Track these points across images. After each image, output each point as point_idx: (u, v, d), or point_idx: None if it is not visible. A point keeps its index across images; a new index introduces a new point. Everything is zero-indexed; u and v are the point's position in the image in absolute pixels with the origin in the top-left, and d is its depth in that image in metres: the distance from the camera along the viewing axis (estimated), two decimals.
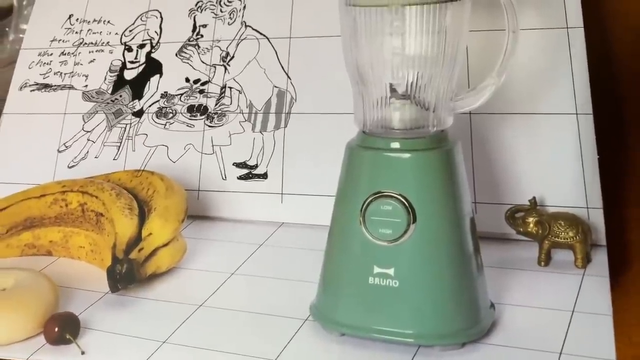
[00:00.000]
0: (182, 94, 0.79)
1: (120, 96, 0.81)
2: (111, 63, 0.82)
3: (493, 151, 0.67)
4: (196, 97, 0.78)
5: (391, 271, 0.50)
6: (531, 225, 0.61)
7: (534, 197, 0.62)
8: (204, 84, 0.78)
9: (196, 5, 0.80)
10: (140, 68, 0.81)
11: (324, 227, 0.54)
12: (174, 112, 0.79)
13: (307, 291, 0.56)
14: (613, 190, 0.65)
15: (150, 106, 0.80)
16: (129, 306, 0.59)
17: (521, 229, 0.62)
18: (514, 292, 0.57)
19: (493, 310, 0.53)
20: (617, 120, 0.69)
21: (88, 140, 0.81)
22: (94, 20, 0.85)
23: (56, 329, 0.53)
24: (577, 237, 0.60)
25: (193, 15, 0.80)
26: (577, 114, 0.65)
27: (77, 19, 0.86)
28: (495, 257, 0.62)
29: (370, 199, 0.50)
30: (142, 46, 0.82)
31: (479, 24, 0.65)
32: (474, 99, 0.54)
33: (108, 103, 0.82)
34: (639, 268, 0.60)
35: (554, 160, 0.65)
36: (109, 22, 0.84)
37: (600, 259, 0.60)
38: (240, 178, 0.75)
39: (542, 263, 0.61)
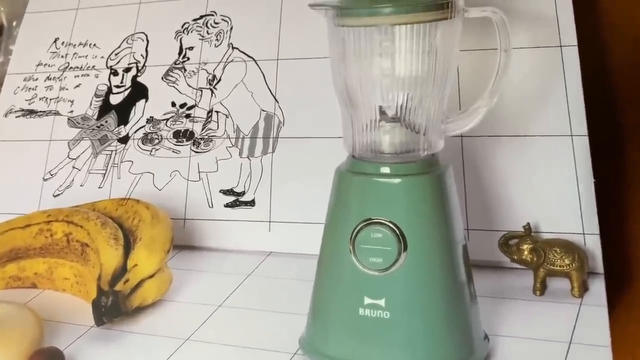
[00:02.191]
0: (168, 119, 0.78)
1: (106, 122, 0.80)
2: (97, 87, 0.82)
3: (485, 175, 0.66)
4: (182, 122, 0.77)
5: (382, 302, 0.49)
6: (525, 252, 0.60)
7: (528, 223, 0.61)
8: (190, 108, 0.77)
9: (182, 26, 0.79)
10: (126, 92, 0.80)
11: (314, 256, 0.53)
12: (159, 137, 0.77)
13: (297, 323, 0.54)
14: (611, 206, 0.64)
15: (135, 132, 0.79)
16: (114, 340, 0.58)
17: (515, 257, 0.60)
18: (509, 323, 0.55)
19: (487, 342, 0.52)
20: (615, 134, 0.68)
21: (73, 168, 0.80)
22: (80, 44, 0.84)
23: None
24: (574, 265, 0.58)
25: (179, 37, 0.79)
26: (572, 135, 0.63)
27: (63, 42, 0.85)
28: (489, 286, 0.60)
29: (360, 226, 0.49)
30: (127, 70, 0.81)
31: (470, 43, 0.64)
32: (466, 121, 0.53)
33: (93, 129, 0.81)
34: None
35: (548, 184, 0.63)
36: (94, 45, 0.83)
37: (598, 287, 0.59)
38: (227, 206, 0.74)
39: (538, 292, 0.59)
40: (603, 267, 0.60)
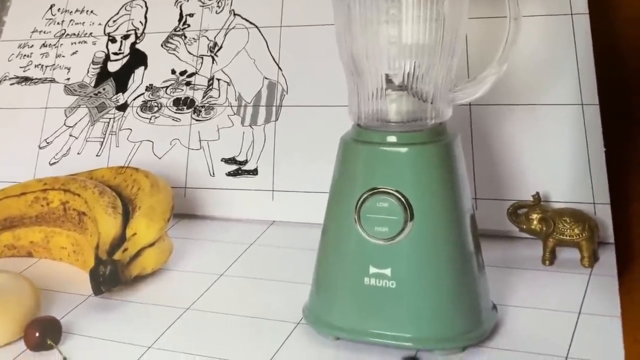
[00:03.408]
0: (167, 87, 0.77)
1: (104, 89, 0.79)
2: (94, 55, 0.80)
3: (494, 144, 0.65)
4: (182, 90, 0.76)
5: (388, 271, 0.48)
6: (535, 222, 0.59)
7: (538, 193, 0.60)
8: (190, 75, 0.76)
9: None
10: (125, 60, 0.79)
11: (318, 225, 0.52)
12: (159, 105, 0.76)
13: (300, 293, 0.54)
14: (621, 184, 0.63)
15: (134, 99, 0.78)
16: (113, 310, 0.57)
17: (524, 226, 0.60)
18: (517, 293, 0.55)
19: (495, 312, 0.51)
20: (624, 112, 0.67)
21: (70, 135, 0.79)
22: (77, 10, 0.83)
23: (37, 334, 0.52)
24: (584, 235, 0.58)
25: (179, 4, 0.78)
26: (582, 104, 0.63)
27: (59, 9, 0.84)
28: (497, 256, 0.60)
29: (365, 195, 0.48)
30: (126, 37, 0.79)
31: (478, 10, 0.63)
32: (474, 89, 0.52)
33: (91, 97, 0.79)
34: None
35: (558, 154, 0.63)
36: (92, 12, 0.82)
37: (608, 257, 0.58)
38: (229, 174, 0.73)
39: (547, 262, 0.59)
40: (614, 237, 0.60)
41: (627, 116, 0.67)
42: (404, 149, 0.48)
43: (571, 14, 0.63)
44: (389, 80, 0.50)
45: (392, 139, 0.49)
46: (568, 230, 0.58)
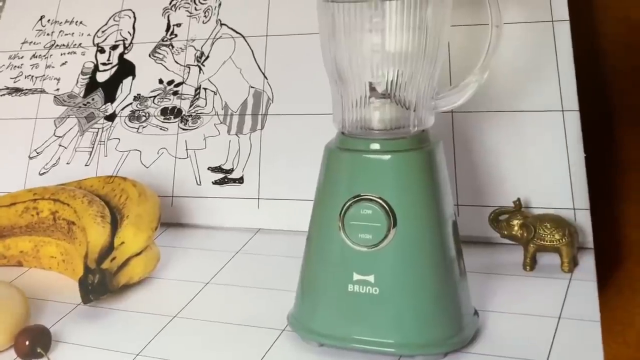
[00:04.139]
0: (155, 96, 0.77)
1: (93, 99, 0.80)
2: (83, 65, 0.81)
3: (476, 151, 0.65)
4: (170, 99, 0.76)
5: (371, 278, 0.49)
6: (516, 228, 0.60)
7: (519, 199, 0.61)
8: (177, 85, 0.77)
9: (170, 3, 0.78)
10: (113, 70, 0.79)
11: (303, 232, 0.53)
12: (147, 115, 0.77)
13: (285, 300, 0.54)
14: (604, 186, 0.63)
15: (122, 109, 0.78)
16: (101, 318, 0.57)
17: (505, 232, 0.60)
18: (499, 299, 0.55)
19: (477, 318, 0.52)
20: (607, 114, 0.68)
21: (60, 146, 0.80)
22: (66, 21, 0.83)
23: (27, 343, 0.52)
24: (564, 240, 0.58)
25: (167, 14, 0.78)
26: (563, 110, 0.63)
27: (49, 20, 0.84)
28: (479, 262, 0.60)
29: (349, 202, 0.49)
30: (114, 47, 0.80)
31: (461, 18, 0.64)
32: (456, 97, 0.52)
33: (80, 107, 0.80)
34: (630, 266, 0.59)
35: (539, 160, 0.63)
36: (81, 22, 0.82)
37: (588, 262, 0.59)
38: (215, 183, 0.73)
39: (528, 267, 0.59)
40: (593, 242, 0.60)
41: (612, 117, 0.67)
42: (387, 157, 0.49)
43: (552, 21, 0.64)
44: (372, 89, 0.50)
45: (375, 146, 0.49)
46: (548, 236, 0.59)
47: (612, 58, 0.68)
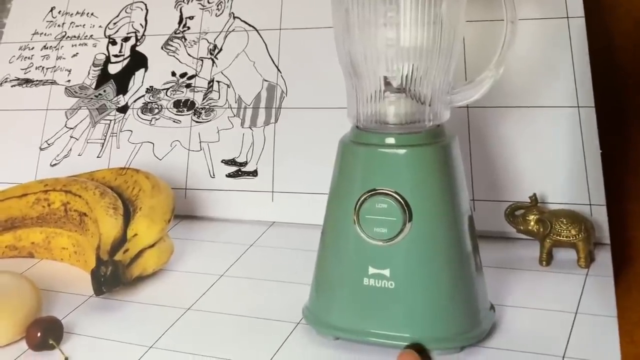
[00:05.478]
0: (168, 89, 0.77)
1: (104, 91, 0.80)
2: (95, 57, 0.81)
3: (492, 146, 0.65)
4: (183, 92, 0.76)
5: (387, 272, 0.49)
6: (532, 223, 0.60)
7: (535, 194, 0.61)
8: (190, 78, 0.76)
9: None
10: (125, 62, 0.79)
11: (317, 226, 0.53)
12: (159, 107, 0.77)
13: (300, 293, 0.54)
14: (616, 185, 0.63)
15: (135, 101, 0.78)
16: (114, 310, 0.57)
17: (521, 227, 0.60)
18: (515, 293, 0.55)
19: (493, 312, 0.52)
20: (619, 113, 0.68)
21: (71, 137, 0.80)
22: (77, 13, 0.83)
23: (39, 334, 0.52)
24: (580, 236, 0.58)
25: (179, 7, 0.78)
26: (578, 106, 0.63)
27: (60, 12, 0.84)
28: (495, 257, 0.60)
29: (364, 196, 0.49)
30: (126, 39, 0.80)
31: (476, 14, 0.64)
32: (472, 92, 0.52)
33: (92, 98, 0.80)
34: (638, 266, 0.59)
35: (555, 156, 0.63)
36: (92, 14, 0.82)
37: (604, 257, 0.59)
38: (229, 176, 0.73)
39: (544, 263, 0.59)
40: (610, 238, 0.60)
41: (624, 115, 0.67)
42: (402, 151, 0.49)
43: (567, 17, 0.64)
44: (387, 83, 0.50)
45: (390, 140, 0.49)
46: (565, 231, 0.59)
47: (625, 55, 0.68)
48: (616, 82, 0.68)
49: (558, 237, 0.59)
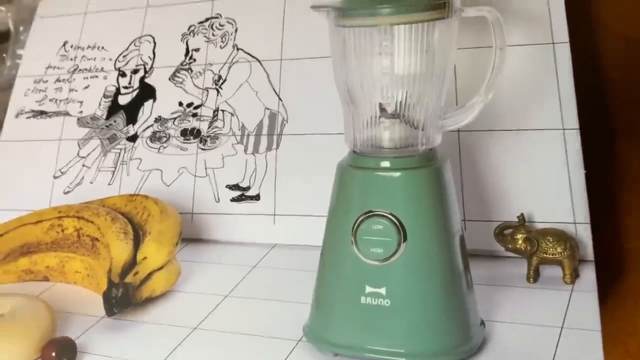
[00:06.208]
0: (175, 118, 0.80)
1: (115, 121, 0.82)
2: (105, 89, 0.83)
3: (481, 168, 0.67)
4: (189, 121, 0.79)
5: (383, 290, 0.50)
6: (520, 241, 0.61)
7: (522, 214, 0.62)
8: (196, 107, 0.79)
9: (188, 29, 0.81)
10: (134, 93, 0.82)
11: (317, 247, 0.54)
12: (167, 136, 0.79)
13: (301, 312, 0.56)
14: (607, 200, 0.65)
15: (144, 130, 0.81)
16: (125, 330, 0.59)
17: (510, 246, 0.62)
18: (504, 309, 0.57)
19: (483, 328, 0.53)
20: (609, 129, 0.69)
21: (83, 166, 0.82)
22: (88, 47, 0.86)
23: (53, 354, 0.54)
24: (565, 253, 0.60)
25: (186, 40, 0.81)
26: (563, 129, 0.65)
27: (72, 46, 0.87)
28: (485, 275, 0.62)
29: (361, 218, 0.51)
30: (135, 71, 0.83)
31: (466, 41, 0.66)
32: (462, 116, 0.54)
33: (103, 128, 0.82)
34: (633, 277, 0.60)
35: (541, 176, 0.65)
36: (102, 47, 0.85)
37: (588, 274, 0.60)
38: (233, 200, 0.75)
39: (531, 279, 0.61)
40: (593, 255, 0.62)
41: (611, 132, 0.69)
42: (397, 174, 0.51)
43: (553, 43, 0.66)
44: (382, 109, 0.52)
45: (385, 164, 0.51)
46: (551, 249, 0.60)
47: (612, 74, 0.69)
48: (605, 99, 0.69)
49: (544, 255, 0.60)
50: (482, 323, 0.54)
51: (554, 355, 0.51)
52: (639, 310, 0.56)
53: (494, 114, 0.66)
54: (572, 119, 0.64)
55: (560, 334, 0.53)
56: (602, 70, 0.70)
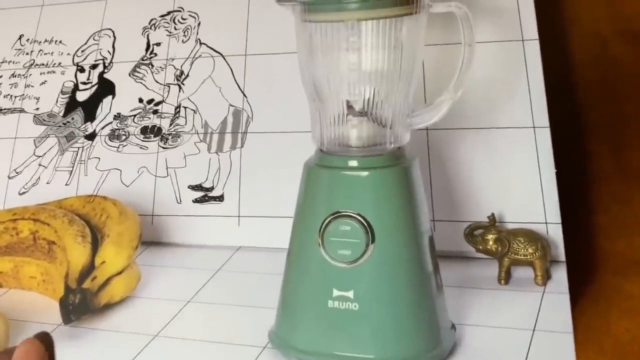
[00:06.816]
0: (135, 115, 0.78)
1: (72, 119, 0.80)
2: (63, 84, 0.81)
3: (451, 167, 0.66)
4: (150, 118, 0.77)
5: (350, 294, 0.49)
6: (490, 242, 0.61)
7: (493, 214, 0.62)
8: (157, 104, 0.77)
9: (150, 23, 0.79)
10: (93, 89, 0.80)
11: (283, 249, 0.53)
12: (127, 134, 0.77)
13: (266, 317, 0.54)
14: (578, 199, 0.65)
15: (102, 128, 0.78)
16: (82, 338, 0.57)
17: (480, 247, 0.61)
18: (475, 312, 0.56)
19: (454, 331, 0.53)
20: (576, 128, 0.69)
21: (39, 165, 0.79)
22: (45, 41, 0.83)
23: None
24: (537, 254, 0.60)
25: (147, 34, 0.79)
26: (534, 127, 0.65)
27: (28, 39, 0.84)
28: (455, 276, 0.61)
29: (328, 219, 0.50)
30: (94, 66, 0.80)
31: (434, 37, 0.65)
32: (431, 114, 0.53)
33: (60, 126, 0.80)
34: (605, 276, 0.60)
35: (512, 176, 0.65)
36: (60, 42, 0.83)
37: (560, 275, 0.60)
38: (195, 201, 0.74)
39: (502, 281, 0.60)
40: (565, 256, 0.61)
41: (581, 131, 0.69)
42: (364, 173, 0.50)
43: (522, 40, 0.66)
44: (349, 107, 0.51)
45: (353, 163, 0.50)
46: (522, 250, 0.60)
47: (582, 72, 0.70)
48: (574, 98, 0.69)
49: (516, 256, 0.60)
50: (453, 326, 0.53)
51: (526, 357, 0.50)
52: (612, 309, 0.56)
53: (463, 112, 0.65)
54: (542, 116, 0.64)
55: (532, 336, 0.53)
56: (573, 68, 0.70)
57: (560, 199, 0.62)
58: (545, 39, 0.65)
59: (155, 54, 0.78)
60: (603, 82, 0.69)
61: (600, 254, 0.62)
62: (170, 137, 0.76)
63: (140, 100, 0.78)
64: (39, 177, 0.79)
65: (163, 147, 0.76)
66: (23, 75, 0.83)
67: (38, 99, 0.82)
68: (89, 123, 0.79)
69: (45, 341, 0.39)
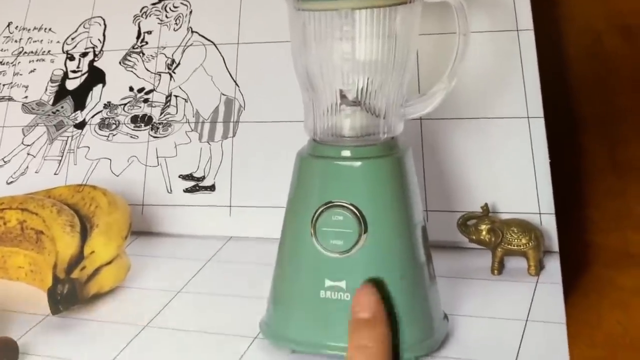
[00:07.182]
0: (125, 104, 0.77)
1: (62, 107, 0.79)
2: (52, 73, 0.80)
3: (444, 157, 0.66)
4: (140, 107, 0.76)
5: (343, 284, 0.49)
6: (484, 232, 0.61)
7: (486, 204, 0.62)
8: (148, 92, 0.76)
9: (141, 11, 0.78)
10: (83, 77, 0.79)
11: (275, 240, 0.53)
12: (117, 123, 0.76)
13: (257, 308, 0.54)
14: (570, 192, 0.65)
15: (92, 117, 0.78)
16: (71, 329, 0.57)
17: (474, 237, 0.61)
18: (468, 303, 0.56)
19: (447, 322, 0.53)
20: (569, 122, 0.69)
21: (28, 154, 0.79)
22: (35, 28, 0.82)
23: None
24: (530, 244, 0.59)
25: (138, 22, 0.78)
26: (528, 117, 0.64)
27: (17, 27, 0.83)
28: (448, 267, 0.61)
29: (321, 209, 0.49)
30: (84, 54, 0.79)
31: (429, 27, 0.65)
32: (425, 104, 0.53)
33: (49, 115, 0.79)
34: (597, 269, 0.60)
35: (506, 166, 0.64)
36: (50, 29, 0.82)
37: (553, 265, 0.60)
38: (186, 191, 0.73)
39: (496, 271, 0.60)
40: (558, 246, 0.61)
41: (574, 125, 0.69)
42: (357, 163, 0.50)
43: (517, 30, 0.65)
44: (343, 96, 0.51)
45: (346, 153, 0.50)
46: (515, 240, 0.60)
47: (577, 67, 0.70)
48: (568, 92, 0.70)
49: (509, 246, 0.60)
50: (446, 317, 0.53)
51: (519, 348, 0.50)
52: (604, 301, 0.56)
53: (457, 102, 0.65)
54: (537, 106, 0.64)
55: (525, 326, 0.53)
56: (568, 63, 0.70)
57: (553, 192, 0.62)
58: (540, 30, 0.65)
59: (146, 42, 0.77)
60: (597, 77, 0.69)
61: (593, 247, 0.62)
62: (161, 126, 0.75)
63: (131, 89, 0.77)
64: (28, 166, 0.78)
65: (154, 136, 0.75)
66: (12, 63, 0.82)
67: (27, 87, 0.80)
68: (78, 112, 0.78)
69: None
